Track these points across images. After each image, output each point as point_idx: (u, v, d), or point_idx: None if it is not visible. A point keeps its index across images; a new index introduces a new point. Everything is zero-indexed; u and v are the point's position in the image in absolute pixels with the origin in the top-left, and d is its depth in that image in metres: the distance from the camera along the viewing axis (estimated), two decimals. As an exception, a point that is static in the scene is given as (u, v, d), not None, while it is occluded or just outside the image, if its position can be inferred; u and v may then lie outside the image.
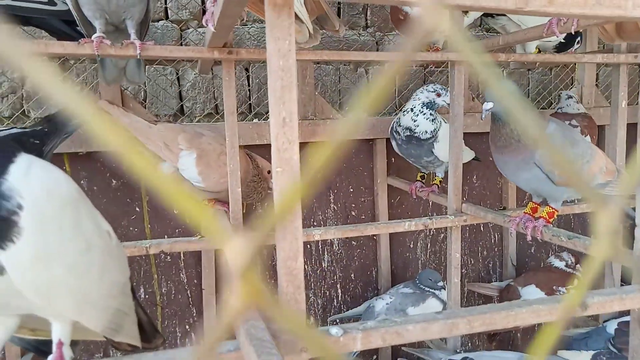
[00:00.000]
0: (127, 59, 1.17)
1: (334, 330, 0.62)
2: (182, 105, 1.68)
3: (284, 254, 0.62)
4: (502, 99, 0.21)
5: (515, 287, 1.56)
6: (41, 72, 0.16)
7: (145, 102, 1.64)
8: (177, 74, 1.67)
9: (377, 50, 1.87)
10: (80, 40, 1.01)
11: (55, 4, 1.22)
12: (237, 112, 1.23)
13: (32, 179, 0.46)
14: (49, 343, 0.63)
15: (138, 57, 1.03)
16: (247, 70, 1.74)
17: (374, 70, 1.87)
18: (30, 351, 0.64)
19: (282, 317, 0.18)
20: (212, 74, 1.69)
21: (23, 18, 1.19)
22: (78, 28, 1.21)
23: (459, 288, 1.29)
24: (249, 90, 1.74)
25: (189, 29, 1.69)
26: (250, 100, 1.73)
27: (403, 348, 1.42)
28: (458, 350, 1.28)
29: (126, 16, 1.07)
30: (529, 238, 1.06)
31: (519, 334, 1.78)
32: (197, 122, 1.67)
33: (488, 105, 1.03)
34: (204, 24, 0.94)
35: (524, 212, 1.12)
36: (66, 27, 1.24)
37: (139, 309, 0.68)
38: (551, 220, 1.07)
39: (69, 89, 0.16)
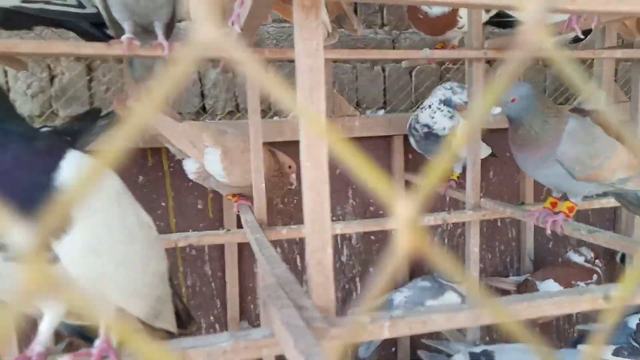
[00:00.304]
0: (154, 59, 1.21)
1: (362, 318, 0.64)
2: (203, 104, 1.73)
3: (313, 245, 0.65)
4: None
5: (533, 281, 1.57)
6: (266, 77, 0.19)
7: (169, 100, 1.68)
8: (199, 73, 1.71)
9: (394, 48, 1.88)
10: (110, 42, 1.05)
11: (84, 7, 1.27)
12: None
13: (82, 173, 0.49)
14: (93, 330, 0.68)
15: (166, 57, 1.07)
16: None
17: (390, 68, 1.88)
18: (74, 336, 0.68)
19: (441, 263, 0.21)
20: (233, 73, 1.72)
21: (55, 21, 1.24)
22: (105, 30, 1.25)
23: (477, 282, 1.30)
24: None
25: (209, 28, 1.72)
26: (270, 98, 1.77)
27: (422, 340, 1.44)
28: (477, 343, 1.30)
29: (154, 18, 1.11)
30: (548, 232, 1.07)
31: (537, 329, 1.79)
32: (218, 119, 1.71)
33: (496, 110, 1.05)
34: (229, 25, 0.97)
35: (544, 207, 1.13)
36: (94, 29, 1.29)
37: (175, 296, 0.72)
38: (571, 215, 1.08)
39: (291, 93, 0.19)
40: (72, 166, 0.48)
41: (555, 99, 1.99)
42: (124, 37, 1.06)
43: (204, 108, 1.73)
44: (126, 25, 1.09)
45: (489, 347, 1.18)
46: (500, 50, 1.31)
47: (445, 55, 1.39)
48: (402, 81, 1.87)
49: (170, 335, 0.72)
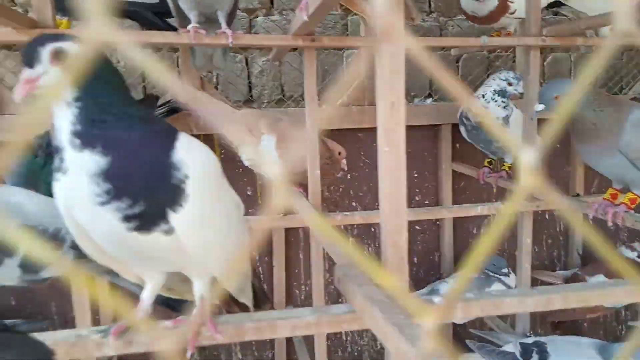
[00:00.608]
0: (214, 48, 1.25)
1: (437, 299, 0.66)
2: (251, 93, 1.76)
3: (389, 228, 0.67)
4: None
5: (583, 276, 1.54)
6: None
7: (218, 88, 1.73)
8: (247, 61, 1.75)
9: (441, 35, 1.87)
10: (179, 30, 1.10)
11: (147, -3, 1.32)
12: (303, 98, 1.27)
13: (193, 153, 0.53)
14: (179, 301, 0.72)
15: (230, 45, 1.11)
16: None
17: (437, 56, 1.87)
18: (162, 305, 0.73)
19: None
20: (281, 61, 1.75)
21: (120, 11, 1.29)
22: (166, 19, 1.30)
23: (529, 273, 1.30)
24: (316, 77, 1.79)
25: (257, 17, 1.76)
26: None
27: (471, 330, 1.44)
28: (528, 334, 1.29)
29: (217, 7, 1.14)
30: (610, 224, 1.05)
31: (585, 323, 1.76)
32: (265, 107, 1.74)
33: (539, 107, 1.04)
34: (297, 13, 1.00)
35: (603, 198, 1.12)
36: (156, 18, 1.34)
37: (254, 275, 0.76)
38: (633, 206, 1.06)
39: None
40: (185, 146, 0.52)
41: (609, 89, 1.93)
42: (189, 27, 1.10)
43: (252, 97, 1.77)
44: (192, 15, 1.13)
45: (542, 339, 1.18)
46: (559, 38, 1.28)
47: (503, 42, 1.37)
48: (449, 69, 1.86)
49: (247, 311, 0.76)
